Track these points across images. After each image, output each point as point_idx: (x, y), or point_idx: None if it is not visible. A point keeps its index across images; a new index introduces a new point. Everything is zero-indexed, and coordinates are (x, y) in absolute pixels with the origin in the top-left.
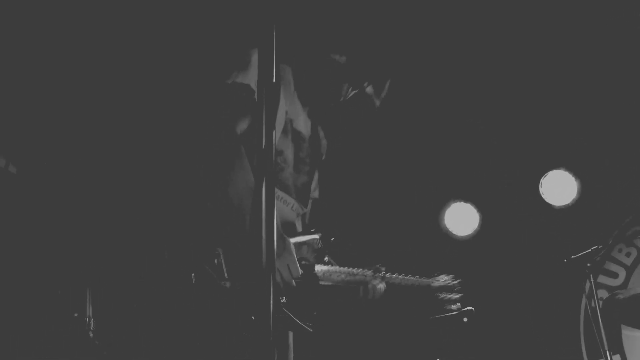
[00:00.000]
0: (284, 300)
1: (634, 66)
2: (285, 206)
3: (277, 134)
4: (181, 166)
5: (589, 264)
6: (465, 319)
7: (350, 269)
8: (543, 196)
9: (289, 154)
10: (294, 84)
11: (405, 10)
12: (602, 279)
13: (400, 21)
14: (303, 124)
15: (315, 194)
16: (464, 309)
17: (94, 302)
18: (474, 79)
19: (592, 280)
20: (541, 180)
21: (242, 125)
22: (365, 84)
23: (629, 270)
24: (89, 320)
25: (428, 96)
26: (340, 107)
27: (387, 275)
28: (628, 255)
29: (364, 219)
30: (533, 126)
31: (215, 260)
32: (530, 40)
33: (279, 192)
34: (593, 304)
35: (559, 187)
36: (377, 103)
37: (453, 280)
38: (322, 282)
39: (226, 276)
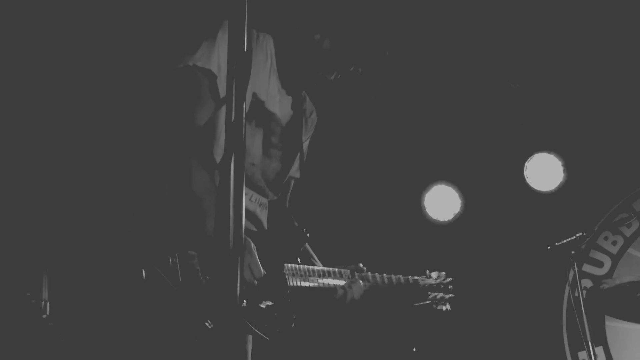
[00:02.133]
0: (244, 304)
1: (621, 50)
2: (246, 199)
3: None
4: (139, 159)
5: (573, 252)
6: (444, 308)
7: (325, 269)
8: (527, 180)
9: (253, 141)
10: (274, 58)
11: None
12: (586, 267)
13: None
14: (278, 105)
15: (296, 174)
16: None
17: (50, 286)
18: (457, 60)
19: (576, 268)
20: (526, 163)
21: (202, 116)
22: (353, 68)
23: (615, 260)
24: (45, 304)
25: (408, 76)
26: (336, 84)
27: (369, 274)
28: (614, 243)
29: (343, 205)
30: (519, 107)
31: (170, 260)
32: (514, 23)
33: None
34: (576, 294)
35: (544, 171)
36: (379, 84)
37: (445, 279)
38: (291, 284)
39: (180, 279)
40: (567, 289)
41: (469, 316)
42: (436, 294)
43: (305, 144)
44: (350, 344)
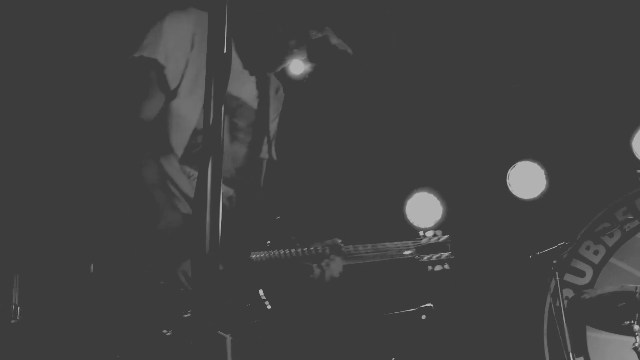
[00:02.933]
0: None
1: (604, 59)
2: None
3: (193, 108)
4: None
5: (554, 261)
6: (423, 317)
7: (299, 250)
8: (510, 188)
9: None
10: (232, 39)
11: None
12: (568, 277)
13: None
14: (241, 87)
15: (265, 154)
16: (422, 306)
17: (21, 290)
18: (443, 67)
19: (557, 278)
20: (509, 171)
21: (150, 110)
22: (318, 33)
23: (597, 269)
24: (15, 309)
25: (395, 82)
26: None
27: (350, 248)
28: (596, 253)
29: (324, 211)
30: (502, 115)
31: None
32: (500, 30)
33: (192, 171)
34: (558, 304)
35: (527, 179)
36: (349, 50)
37: (441, 237)
38: (261, 272)
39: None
40: (549, 299)
41: (450, 325)
42: (431, 255)
43: (274, 123)
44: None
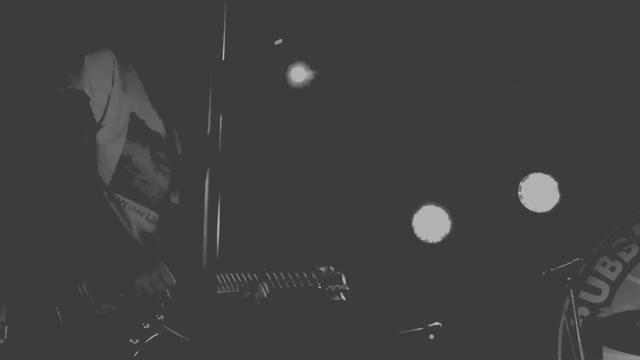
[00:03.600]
0: (161, 317)
1: (619, 69)
2: (140, 217)
3: (117, 139)
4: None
5: (569, 278)
6: (431, 336)
7: (233, 277)
8: (522, 201)
9: (140, 159)
10: (142, 83)
11: None
12: (583, 295)
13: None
14: (158, 124)
15: (175, 199)
16: (430, 325)
17: (9, 309)
18: (453, 74)
19: (572, 296)
20: (520, 183)
21: (82, 133)
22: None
23: (613, 287)
24: (2, 327)
25: (401, 88)
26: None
27: (267, 275)
28: (612, 269)
29: (331, 223)
30: (514, 125)
31: (80, 290)
32: (514, 39)
33: (131, 202)
34: (572, 323)
35: (539, 192)
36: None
37: (335, 271)
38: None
39: (93, 302)
40: (563, 318)
41: (459, 345)
42: (331, 285)
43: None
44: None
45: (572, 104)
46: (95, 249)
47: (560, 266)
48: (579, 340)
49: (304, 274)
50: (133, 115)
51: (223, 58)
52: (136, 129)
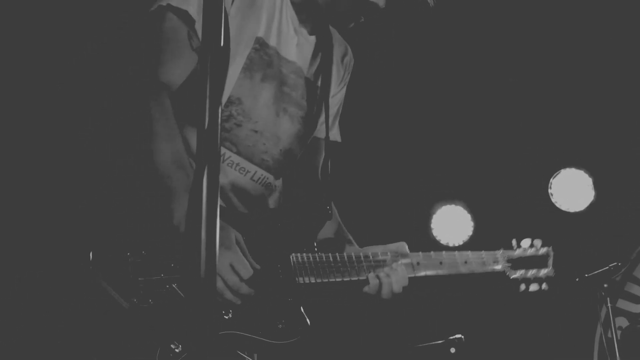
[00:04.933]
0: (229, 316)
1: None
2: (242, 175)
3: (229, 74)
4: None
5: (606, 285)
6: (452, 350)
7: (352, 254)
8: (553, 199)
9: (256, 102)
10: None
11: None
12: (621, 303)
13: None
14: (296, 50)
15: (322, 134)
16: (451, 338)
17: None
18: (480, 69)
19: (609, 304)
20: (551, 180)
21: (174, 75)
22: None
23: None
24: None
25: (425, 86)
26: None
27: (419, 255)
28: None
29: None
30: (543, 116)
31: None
32: (543, 32)
33: (234, 157)
34: (610, 334)
35: (572, 189)
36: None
37: (540, 249)
38: (302, 281)
39: (117, 297)
40: (599, 329)
41: (485, 357)
42: (525, 270)
43: (339, 96)
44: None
45: (606, 93)
46: (150, 223)
47: (596, 272)
48: (617, 354)
49: (483, 254)
50: (259, 40)
51: (222, 43)
52: (260, 60)
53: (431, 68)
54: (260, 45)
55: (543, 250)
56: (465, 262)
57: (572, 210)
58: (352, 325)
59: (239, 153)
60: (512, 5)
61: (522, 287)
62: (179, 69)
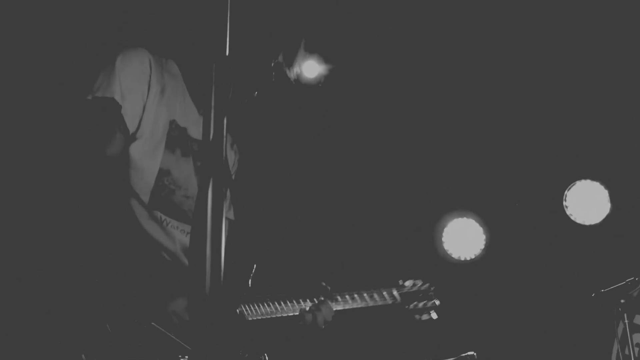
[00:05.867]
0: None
1: None
2: (184, 236)
3: (155, 151)
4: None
5: (622, 301)
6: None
7: (286, 296)
8: (568, 212)
9: (181, 172)
10: (184, 82)
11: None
12: (638, 319)
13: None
14: (199, 126)
15: (229, 214)
16: (463, 355)
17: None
18: (491, 76)
19: (626, 321)
20: (566, 192)
21: (112, 151)
22: (277, 58)
23: None
24: None
25: (433, 93)
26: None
27: (336, 295)
28: None
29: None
30: (560, 128)
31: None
32: (560, 41)
33: (173, 222)
34: (627, 352)
35: (587, 201)
36: (292, 74)
37: (422, 285)
38: (251, 318)
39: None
40: (616, 346)
41: None
42: (416, 302)
43: (232, 177)
44: None
45: (624, 104)
46: (123, 270)
47: (612, 287)
48: None
49: (383, 292)
50: (173, 123)
51: (227, 52)
52: (176, 139)
53: (432, 69)
54: (175, 126)
55: (424, 287)
56: (370, 298)
57: (587, 223)
58: (362, 344)
59: (177, 218)
60: (525, 8)
61: (417, 316)
62: (113, 149)
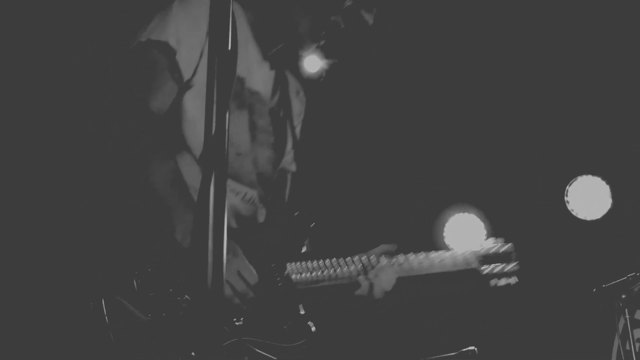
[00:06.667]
0: (240, 322)
1: None
2: (234, 196)
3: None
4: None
5: (623, 296)
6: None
7: (342, 260)
8: (569, 207)
9: (235, 127)
10: (249, 27)
11: None
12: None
13: None
14: (261, 81)
15: (292, 166)
16: (464, 350)
17: None
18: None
19: (627, 316)
20: (567, 187)
21: (161, 102)
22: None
23: None
24: None
25: (434, 91)
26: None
27: (400, 257)
28: None
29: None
30: (561, 123)
31: (135, 284)
32: (562, 37)
33: None
34: (628, 347)
35: (589, 197)
36: (370, 19)
37: (503, 245)
38: (300, 286)
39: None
40: (617, 341)
41: None
42: (493, 266)
43: (297, 130)
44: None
45: (625, 100)
46: (153, 239)
47: (613, 282)
48: None
49: (458, 254)
50: None
51: (229, 47)
52: (234, 90)
53: (432, 68)
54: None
55: (505, 247)
56: (441, 261)
57: (588, 218)
58: (362, 338)
59: (228, 176)
60: (526, 7)
61: (493, 282)
62: (164, 99)
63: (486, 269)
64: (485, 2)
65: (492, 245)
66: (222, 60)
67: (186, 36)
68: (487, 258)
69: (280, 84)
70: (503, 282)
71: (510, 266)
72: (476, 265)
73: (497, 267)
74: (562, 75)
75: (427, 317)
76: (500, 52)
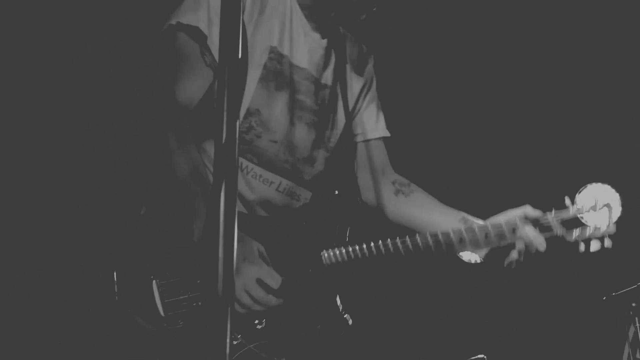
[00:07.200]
0: (262, 325)
1: None
2: (266, 187)
3: (247, 87)
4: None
5: (634, 304)
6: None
7: (384, 243)
8: (578, 214)
9: (272, 112)
10: None
11: None
12: None
13: None
14: (308, 55)
15: (374, 133)
16: (472, 358)
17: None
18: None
19: (637, 324)
20: (577, 195)
21: (191, 91)
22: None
23: None
24: None
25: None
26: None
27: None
28: None
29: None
30: (570, 131)
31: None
32: (570, 39)
33: (256, 168)
34: (638, 355)
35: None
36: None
37: (600, 203)
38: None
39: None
40: (627, 350)
41: None
42: (582, 229)
43: (372, 92)
44: None
45: (637, 108)
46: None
47: (624, 290)
48: None
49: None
50: (274, 50)
51: (240, 55)
52: (274, 70)
53: (434, 69)
54: (275, 54)
55: (602, 204)
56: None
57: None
58: (370, 345)
59: (261, 164)
60: (530, 7)
61: (582, 247)
62: (194, 86)
63: (573, 234)
64: (489, 2)
65: (583, 204)
66: (232, 69)
67: (216, 21)
68: (576, 221)
69: (334, 52)
70: (595, 246)
71: (605, 228)
72: (561, 231)
73: (589, 230)
74: (572, 85)
75: (436, 324)
76: (509, 58)
